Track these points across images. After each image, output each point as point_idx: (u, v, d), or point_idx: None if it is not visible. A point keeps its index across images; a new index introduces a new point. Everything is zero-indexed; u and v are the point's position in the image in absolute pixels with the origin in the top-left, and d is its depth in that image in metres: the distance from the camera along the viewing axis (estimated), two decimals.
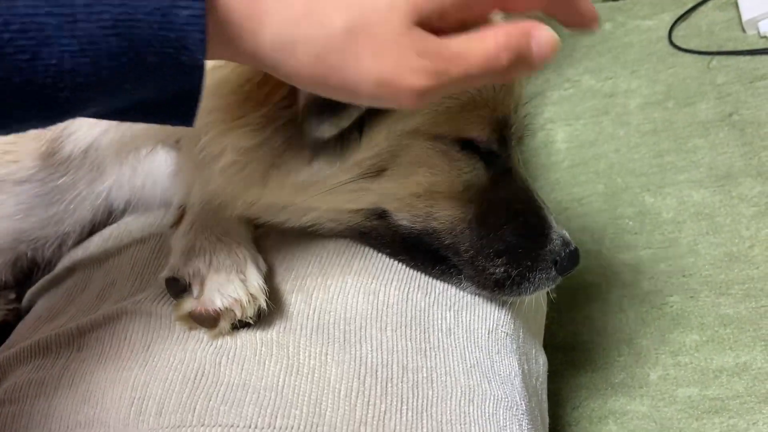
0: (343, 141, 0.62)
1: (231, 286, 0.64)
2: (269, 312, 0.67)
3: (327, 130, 0.58)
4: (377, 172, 0.67)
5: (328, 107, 0.57)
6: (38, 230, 0.82)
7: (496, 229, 0.71)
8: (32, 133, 0.77)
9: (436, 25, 0.47)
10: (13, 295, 0.87)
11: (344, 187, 0.67)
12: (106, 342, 0.69)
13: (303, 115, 0.60)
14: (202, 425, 0.59)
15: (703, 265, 1.21)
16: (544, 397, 0.85)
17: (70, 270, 0.82)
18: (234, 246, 0.70)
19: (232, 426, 0.59)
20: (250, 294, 0.64)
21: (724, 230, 1.25)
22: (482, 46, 0.47)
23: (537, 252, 0.72)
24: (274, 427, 0.59)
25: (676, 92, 1.61)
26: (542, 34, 0.49)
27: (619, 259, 1.29)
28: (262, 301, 0.65)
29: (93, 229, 0.86)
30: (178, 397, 0.62)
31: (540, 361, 0.85)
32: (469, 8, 0.48)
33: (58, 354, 0.71)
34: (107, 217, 0.86)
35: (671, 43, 1.74)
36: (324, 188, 0.66)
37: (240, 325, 0.66)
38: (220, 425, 0.59)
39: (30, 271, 0.86)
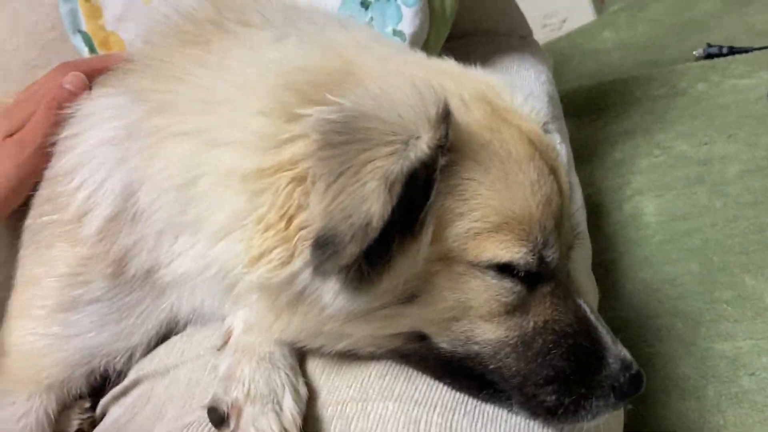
0: (369, 272, 0.62)
1: (264, 419, 0.65)
2: None
3: (330, 268, 0.58)
4: (409, 298, 0.66)
5: (325, 244, 0.57)
6: (110, 344, 0.86)
7: (545, 354, 0.67)
8: (100, 254, 0.82)
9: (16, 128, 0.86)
10: (87, 404, 0.91)
11: (375, 314, 0.66)
12: None
13: (310, 251, 0.60)
14: None
15: None
16: None
17: (136, 381, 0.86)
18: (273, 372, 0.70)
19: None
20: (284, 429, 0.64)
21: None
22: (38, 118, 0.86)
23: (591, 378, 0.67)
24: None
25: None
26: (68, 78, 0.87)
27: (716, 350, 1.18)
28: None
29: (159, 340, 0.90)
30: None
31: None
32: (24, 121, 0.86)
33: None
34: (173, 328, 0.90)
35: None
36: (354, 316, 0.65)
37: None
38: None
39: (103, 380, 0.91)
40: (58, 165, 0.84)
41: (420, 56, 0.80)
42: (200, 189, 0.70)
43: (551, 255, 0.67)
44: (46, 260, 0.85)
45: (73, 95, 0.87)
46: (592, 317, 0.70)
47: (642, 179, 1.61)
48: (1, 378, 0.86)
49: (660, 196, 1.55)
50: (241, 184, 0.65)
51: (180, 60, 0.76)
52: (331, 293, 0.63)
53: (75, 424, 0.90)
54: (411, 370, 0.73)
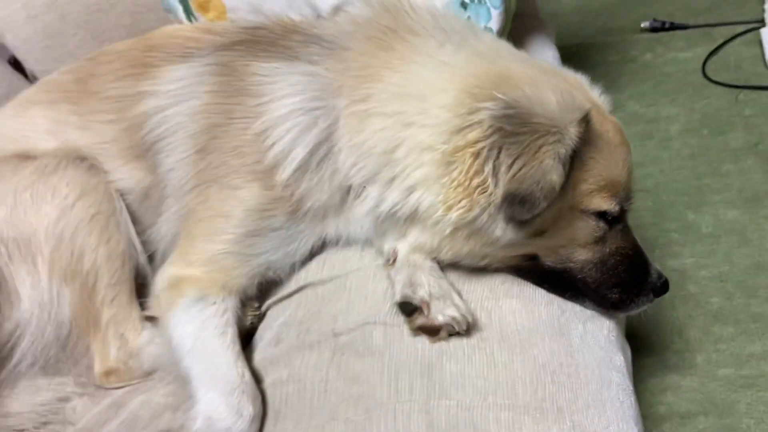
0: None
1: (449, 310, 0.98)
2: None
3: (525, 214, 0.92)
4: (540, 232, 1.00)
5: (523, 201, 0.91)
6: (281, 261, 1.16)
7: (614, 268, 1.04)
8: (285, 196, 1.10)
9: None
10: (257, 304, 1.21)
11: (517, 242, 1.00)
12: (359, 343, 1.03)
13: (502, 203, 0.93)
14: (443, 398, 0.93)
15: (736, 272, 1.55)
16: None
17: (301, 287, 1.16)
18: (440, 279, 1.04)
19: (460, 400, 0.93)
20: (462, 314, 0.98)
21: (753, 244, 1.59)
22: None
23: (641, 284, 1.06)
24: (487, 400, 0.93)
25: (709, 121, 1.93)
26: None
27: (668, 265, 1.63)
28: (470, 319, 0.99)
29: (310, 256, 1.20)
30: (421, 379, 0.96)
31: (628, 352, 1.19)
32: None
33: (321, 348, 1.05)
34: (321, 248, 1.20)
35: (705, 75, 2.05)
36: (507, 245, 0.99)
37: (451, 334, 1.00)
38: (454, 399, 0.93)
39: (267, 286, 1.20)
40: (252, 126, 1.09)
41: (525, 56, 1.11)
42: (398, 155, 0.99)
43: (627, 205, 1.03)
44: (237, 198, 1.11)
45: None
46: (639, 245, 1.09)
47: None
48: (195, 287, 1.13)
49: None
50: (439, 156, 0.95)
51: (375, 62, 1.03)
52: (500, 230, 0.96)
53: (248, 318, 1.20)
54: (518, 279, 1.09)
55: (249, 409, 1.01)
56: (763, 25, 2.05)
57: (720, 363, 1.42)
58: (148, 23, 1.66)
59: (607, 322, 1.09)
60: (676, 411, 1.39)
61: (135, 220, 1.27)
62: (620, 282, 1.05)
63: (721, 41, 2.11)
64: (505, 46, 1.10)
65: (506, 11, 1.28)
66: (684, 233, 1.68)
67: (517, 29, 1.60)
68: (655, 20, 2.28)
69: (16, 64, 1.82)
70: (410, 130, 0.99)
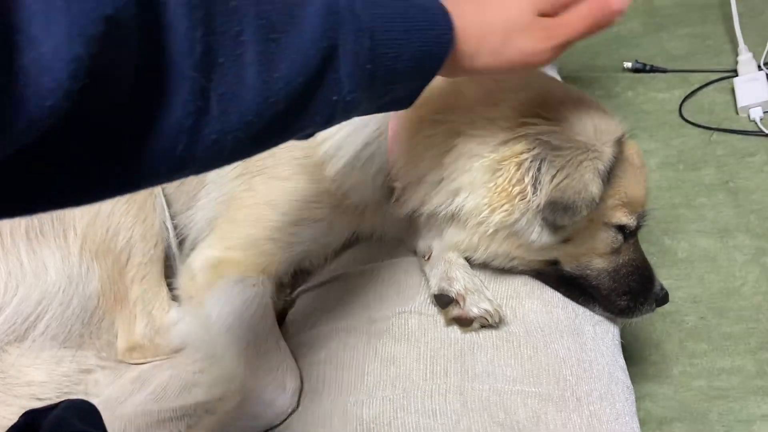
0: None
1: (483, 303, 1.08)
2: None
3: (566, 220, 1.02)
4: (566, 240, 1.11)
5: (566, 209, 1.01)
6: (317, 251, 1.23)
7: (625, 278, 1.16)
8: (330, 190, 1.18)
9: (551, 11, 0.80)
10: (289, 290, 1.28)
11: (547, 247, 1.11)
12: (395, 329, 1.11)
13: (544, 209, 1.03)
14: (476, 382, 1.03)
15: (709, 295, 1.70)
16: None
17: (334, 278, 1.24)
18: (472, 276, 1.13)
19: (491, 385, 1.03)
20: (495, 309, 1.08)
21: (723, 271, 1.75)
22: (578, 13, 0.81)
23: (646, 293, 1.18)
24: (515, 387, 1.03)
25: (685, 157, 2.10)
26: None
27: None
28: (502, 314, 1.09)
29: (343, 248, 1.28)
30: (455, 364, 1.06)
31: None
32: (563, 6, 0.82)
33: (357, 333, 1.13)
34: (352, 242, 1.28)
35: (681, 115, 2.23)
36: (538, 248, 1.10)
37: (483, 326, 1.09)
38: (486, 383, 1.03)
39: (299, 275, 1.27)
40: None
41: (559, 81, 1.23)
42: (447, 160, 1.08)
43: (642, 222, 1.16)
44: (284, 189, 1.19)
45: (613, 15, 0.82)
46: (647, 259, 1.21)
47: None
48: (235, 269, 1.19)
49: None
50: (487, 163, 1.05)
51: None
52: (536, 234, 1.07)
53: (280, 303, 1.27)
54: (539, 282, 1.19)
55: (292, 384, 1.08)
56: (736, 75, 2.25)
57: (694, 375, 1.56)
58: None
59: (612, 326, 1.21)
60: (654, 416, 1.52)
61: (168, 204, 1.32)
62: (629, 290, 1.17)
63: (696, 86, 2.29)
64: (540, 71, 1.22)
65: None
66: (661, 257, 1.83)
67: None
68: (637, 62, 2.45)
69: None
70: (461, 138, 1.08)
